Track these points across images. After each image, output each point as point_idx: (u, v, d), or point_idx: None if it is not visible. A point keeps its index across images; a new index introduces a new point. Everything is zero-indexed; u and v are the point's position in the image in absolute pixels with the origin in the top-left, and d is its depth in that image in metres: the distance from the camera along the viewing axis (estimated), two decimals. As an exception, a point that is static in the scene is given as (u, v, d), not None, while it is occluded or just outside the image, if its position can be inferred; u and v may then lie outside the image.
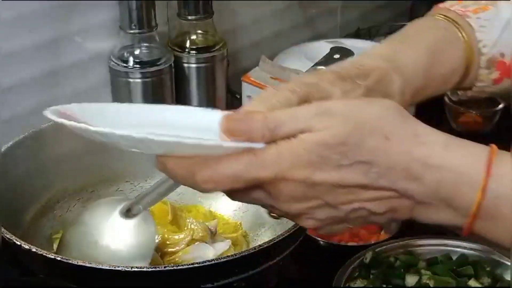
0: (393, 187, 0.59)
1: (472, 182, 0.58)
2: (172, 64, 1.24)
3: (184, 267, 0.81)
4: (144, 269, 0.81)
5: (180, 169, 0.61)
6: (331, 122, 0.59)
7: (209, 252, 0.95)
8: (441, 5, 0.85)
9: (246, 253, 0.83)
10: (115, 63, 1.21)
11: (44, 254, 0.81)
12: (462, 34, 0.82)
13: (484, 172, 0.58)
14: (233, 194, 0.63)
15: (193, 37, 1.29)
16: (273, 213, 0.67)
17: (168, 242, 0.98)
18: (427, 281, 0.99)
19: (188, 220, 1.01)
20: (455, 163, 0.59)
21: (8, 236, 0.83)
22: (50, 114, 0.66)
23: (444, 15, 0.83)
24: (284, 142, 0.59)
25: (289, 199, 0.61)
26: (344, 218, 0.62)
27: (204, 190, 0.61)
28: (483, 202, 0.58)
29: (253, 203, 0.65)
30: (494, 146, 0.60)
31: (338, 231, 0.65)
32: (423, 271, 1.01)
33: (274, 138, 0.60)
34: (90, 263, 0.80)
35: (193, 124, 0.68)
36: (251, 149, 0.59)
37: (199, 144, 0.60)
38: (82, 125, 0.63)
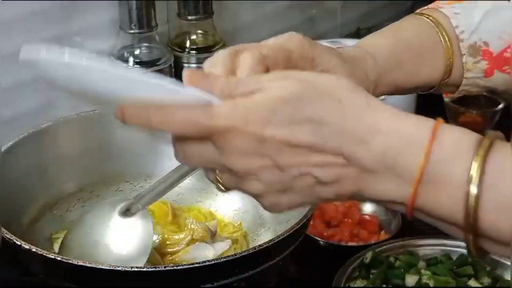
0: (341, 151, 0.59)
1: (417, 146, 0.59)
2: (172, 64, 1.24)
3: (184, 267, 0.81)
4: (144, 269, 0.81)
5: (138, 113, 0.62)
6: (287, 82, 0.61)
7: (209, 252, 0.95)
8: (420, 9, 0.88)
9: (246, 253, 0.83)
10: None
11: (44, 254, 0.81)
12: (432, 20, 0.84)
13: (429, 137, 0.59)
14: (184, 147, 0.63)
15: (193, 37, 1.29)
16: (221, 181, 0.65)
17: (168, 242, 0.98)
18: (427, 281, 0.99)
19: (188, 220, 1.01)
20: (401, 129, 0.60)
21: (8, 236, 0.83)
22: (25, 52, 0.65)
23: (418, 12, 0.86)
24: (240, 97, 0.61)
25: (238, 154, 0.61)
26: (290, 184, 0.62)
27: (159, 128, 0.62)
28: (427, 166, 0.58)
29: (202, 164, 0.65)
30: (440, 118, 0.61)
31: (282, 205, 0.64)
32: (423, 271, 1.01)
33: (232, 95, 0.61)
34: (90, 263, 0.80)
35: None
36: (208, 102, 0.61)
37: (160, 84, 0.61)
38: (50, 55, 0.62)
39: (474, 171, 0.57)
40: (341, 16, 1.66)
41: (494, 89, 0.86)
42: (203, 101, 0.61)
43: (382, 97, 1.33)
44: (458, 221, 0.59)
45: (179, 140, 0.63)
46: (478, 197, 0.57)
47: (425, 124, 0.60)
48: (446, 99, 1.44)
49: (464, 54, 0.84)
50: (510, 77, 0.84)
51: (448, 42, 0.83)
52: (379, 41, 0.82)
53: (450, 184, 0.58)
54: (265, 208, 0.65)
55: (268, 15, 1.51)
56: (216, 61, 0.68)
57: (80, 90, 0.65)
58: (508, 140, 0.60)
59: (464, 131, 0.61)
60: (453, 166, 0.58)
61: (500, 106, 1.42)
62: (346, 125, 0.59)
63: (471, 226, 0.58)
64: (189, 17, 1.28)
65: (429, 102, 1.45)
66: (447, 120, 0.60)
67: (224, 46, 1.30)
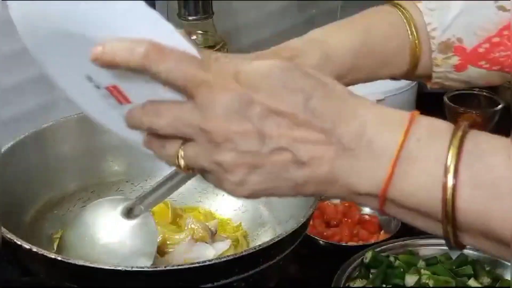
0: (323, 126, 0.58)
1: (396, 126, 0.59)
2: (172, 64, 1.24)
3: (184, 267, 0.81)
4: (144, 269, 0.81)
5: (123, 45, 0.58)
6: (277, 59, 0.61)
7: (209, 252, 0.95)
8: None
9: (246, 253, 0.83)
10: (115, 63, 1.21)
11: (44, 254, 0.81)
12: (405, 15, 0.83)
13: (408, 118, 0.59)
14: (158, 104, 0.60)
15: (193, 37, 1.29)
16: (182, 155, 0.61)
17: (168, 242, 0.98)
18: (427, 281, 0.99)
19: (188, 220, 1.01)
20: (380, 110, 0.61)
21: (8, 236, 0.83)
22: None
23: (395, 2, 0.85)
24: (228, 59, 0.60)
25: (221, 113, 0.58)
26: (263, 160, 0.59)
27: (144, 63, 0.58)
28: (405, 143, 0.58)
29: (173, 127, 0.60)
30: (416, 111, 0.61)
31: (248, 185, 0.60)
32: (422, 271, 1.01)
33: (220, 62, 0.60)
34: (90, 263, 0.80)
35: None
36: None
37: (158, 19, 0.58)
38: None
39: (451, 155, 0.57)
40: (341, 16, 1.65)
41: (469, 82, 0.86)
42: (195, 54, 0.58)
43: (382, 97, 1.34)
44: (434, 210, 0.57)
45: (155, 102, 0.60)
46: (455, 181, 0.56)
47: (403, 111, 0.61)
48: (446, 99, 1.44)
49: (434, 51, 0.83)
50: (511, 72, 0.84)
51: (417, 41, 0.83)
52: (344, 43, 0.81)
53: (427, 164, 0.57)
54: (228, 187, 0.61)
55: (268, 15, 1.51)
56: None
57: (56, 17, 0.60)
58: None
59: (440, 119, 0.60)
60: (431, 146, 0.58)
61: (500, 106, 1.42)
62: (331, 102, 0.59)
63: (448, 215, 0.57)
64: (189, 17, 1.28)
65: (429, 102, 1.45)
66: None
67: (224, 46, 1.30)
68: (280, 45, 0.80)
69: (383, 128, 0.59)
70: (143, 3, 0.58)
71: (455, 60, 0.83)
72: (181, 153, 0.61)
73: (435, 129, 0.59)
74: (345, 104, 0.60)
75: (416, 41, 0.83)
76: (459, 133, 0.58)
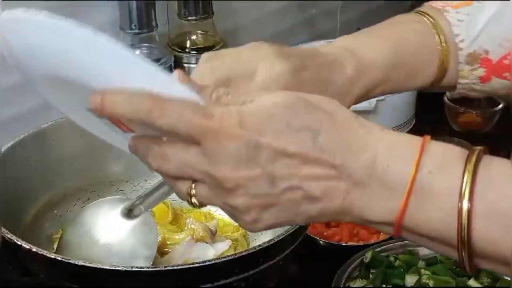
0: (334, 162, 0.58)
1: (407, 157, 0.58)
2: (172, 64, 1.24)
3: (184, 267, 0.81)
4: (144, 269, 0.81)
5: (123, 99, 0.57)
6: (279, 93, 0.60)
7: (209, 252, 0.95)
8: (427, 3, 0.86)
9: (246, 253, 0.83)
10: (115, 63, 1.21)
11: (44, 254, 0.81)
12: (435, 27, 0.82)
13: (419, 148, 0.58)
14: (166, 148, 0.59)
15: (193, 37, 1.29)
16: (194, 194, 0.60)
17: (168, 242, 0.98)
18: (427, 281, 0.99)
19: (188, 220, 1.01)
20: (390, 140, 0.59)
21: (8, 236, 0.83)
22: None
23: (421, 11, 0.84)
24: (233, 105, 0.59)
25: (230, 161, 0.57)
26: (275, 199, 0.59)
27: (147, 120, 0.57)
28: (417, 176, 0.58)
29: (181, 171, 0.59)
30: (427, 135, 0.61)
31: (262, 223, 0.61)
32: (422, 271, 1.01)
33: (222, 104, 0.59)
34: (90, 263, 0.80)
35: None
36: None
37: (156, 71, 0.56)
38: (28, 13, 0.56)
39: (465, 184, 0.57)
40: (341, 16, 1.66)
41: (492, 93, 0.86)
42: (196, 100, 0.57)
43: (382, 97, 1.33)
44: (449, 237, 0.58)
45: (160, 142, 0.60)
46: (470, 209, 0.56)
47: (413, 137, 0.60)
48: (446, 99, 1.44)
49: (461, 63, 0.83)
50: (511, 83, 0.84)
51: (446, 53, 0.82)
52: (376, 55, 0.79)
53: (441, 196, 0.57)
54: (244, 225, 0.62)
55: (268, 15, 1.51)
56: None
57: (52, 62, 0.59)
58: (491, 153, 0.60)
59: (451, 145, 0.60)
60: (443, 178, 0.58)
61: (500, 106, 1.42)
62: (340, 135, 0.59)
63: (463, 242, 0.57)
64: (189, 17, 1.28)
65: (429, 102, 1.45)
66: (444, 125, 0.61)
67: (224, 46, 1.30)
68: (311, 49, 0.77)
69: (393, 160, 0.58)
70: (139, 55, 0.56)
71: (481, 72, 0.83)
72: (193, 192, 0.61)
73: (447, 157, 0.59)
74: (354, 136, 0.59)
75: (446, 53, 0.82)
76: (473, 158, 0.58)
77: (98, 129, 0.67)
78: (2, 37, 0.60)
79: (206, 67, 0.74)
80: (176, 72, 0.59)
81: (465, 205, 0.56)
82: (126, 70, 0.57)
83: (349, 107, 0.76)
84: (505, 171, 0.58)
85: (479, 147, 0.59)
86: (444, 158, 0.58)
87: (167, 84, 0.57)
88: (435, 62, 0.82)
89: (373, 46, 0.80)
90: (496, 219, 0.57)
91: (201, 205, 0.61)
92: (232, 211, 0.61)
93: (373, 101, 1.30)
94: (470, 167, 0.57)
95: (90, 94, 0.57)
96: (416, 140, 0.60)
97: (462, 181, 0.57)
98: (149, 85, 0.56)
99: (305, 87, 0.72)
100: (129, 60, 0.56)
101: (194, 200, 0.61)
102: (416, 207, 0.58)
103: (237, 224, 1.02)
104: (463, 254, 0.58)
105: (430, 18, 0.83)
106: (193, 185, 0.60)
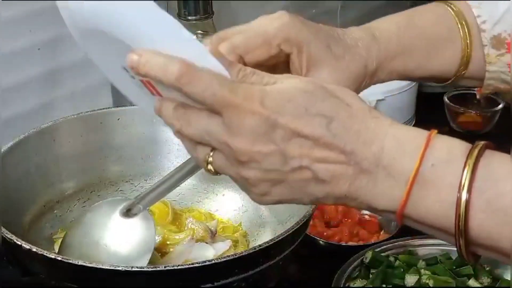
0: (344, 148, 0.61)
1: (412, 150, 0.61)
2: (172, 64, 1.24)
3: (184, 267, 0.81)
4: (144, 269, 0.81)
5: (157, 61, 0.60)
6: (299, 79, 0.63)
7: (209, 252, 0.95)
8: None
9: (246, 253, 0.83)
10: (115, 63, 1.21)
11: (44, 254, 0.81)
12: (453, 9, 0.82)
13: (424, 142, 0.61)
14: (191, 113, 0.62)
15: (193, 37, 1.29)
16: (211, 161, 0.63)
17: (168, 242, 0.98)
18: (427, 281, 0.99)
19: (188, 220, 1.01)
20: (398, 134, 0.62)
21: (8, 236, 0.83)
22: None
23: (439, 1, 0.83)
24: (257, 84, 0.62)
25: (247, 135, 0.60)
26: (286, 176, 0.62)
27: (176, 84, 0.60)
28: (420, 169, 0.60)
29: (202, 137, 0.62)
30: (434, 129, 0.63)
31: (271, 197, 0.64)
32: (422, 271, 1.01)
33: (247, 80, 0.62)
34: (90, 263, 0.80)
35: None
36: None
37: (191, 39, 0.60)
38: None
39: (465, 177, 0.59)
40: (341, 16, 1.66)
41: None
42: (224, 74, 0.61)
43: (381, 97, 1.33)
44: (448, 226, 0.61)
45: (186, 106, 0.62)
46: (468, 202, 0.59)
47: (420, 132, 0.62)
48: (446, 99, 1.44)
49: (486, 45, 0.81)
50: None
51: (467, 33, 0.81)
52: (389, 25, 0.80)
53: (441, 188, 0.60)
54: (253, 197, 0.65)
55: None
56: None
57: (101, 18, 0.63)
58: (496, 148, 0.62)
59: (456, 140, 0.62)
60: (445, 171, 0.60)
61: (500, 106, 1.42)
62: (352, 125, 0.61)
63: (461, 231, 0.60)
64: (189, 17, 1.27)
65: (429, 102, 1.45)
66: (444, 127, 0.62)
67: (224, 46, 1.30)
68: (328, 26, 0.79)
69: (399, 154, 0.61)
70: (178, 24, 0.60)
71: (508, 57, 0.81)
72: (210, 159, 0.63)
73: (451, 152, 0.61)
74: (366, 127, 0.62)
75: (467, 33, 0.81)
76: (475, 153, 0.60)
77: (128, 89, 0.71)
78: None
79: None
80: (210, 42, 0.64)
81: (464, 196, 0.59)
82: (165, 35, 0.61)
83: (367, 78, 0.78)
84: (506, 167, 0.60)
85: (482, 142, 0.61)
86: (448, 152, 0.61)
87: (201, 54, 0.61)
88: (457, 41, 0.81)
89: (386, 20, 0.81)
90: (493, 214, 0.59)
91: (216, 172, 0.64)
92: (243, 182, 0.64)
93: (373, 101, 1.30)
94: (471, 161, 0.60)
95: (129, 52, 0.61)
96: (423, 134, 0.62)
97: (462, 175, 0.59)
98: (184, 53, 0.60)
99: (310, 31, 0.74)
100: (169, 26, 0.60)
101: (210, 167, 0.64)
102: (418, 197, 0.61)
103: (237, 224, 1.04)
104: (461, 242, 0.61)
105: (448, 3, 0.82)
106: (211, 153, 0.63)
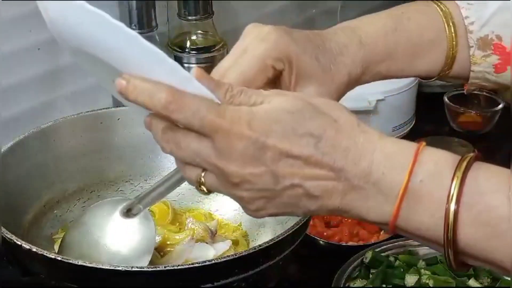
0: (333, 166, 0.62)
1: (400, 166, 0.62)
2: (172, 64, 1.24)
3: (184, 267, 0.81)
4: (144, 269, 0.81)
5: (145, 88, 0.61)
6: (288, 98, 0.64)
7: (209, 252, 0.95)
8: None
9: (246, 253, 0.83)
10: (115, 63, 1.21)
11: (44, 254, 0.81)
12: (442, 9, 0.82)
13: (412, 158, 0.62)
14: (180, 136, 0.63)
15: (193, 37, 1.29)
16: (203, 182, 0.64)
17: (168, 242, 0.98)
18: (427, 281, 0.99)
19: (188, 220, 1.01)
20: (387, 148, 0.63)
21: (8, 236, 0.83)
22: None
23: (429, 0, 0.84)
24: (245, 104, 0.62)
25: (237, 158, 0.61)
26: (279, 194, 0.63)
27: (164, 112, 0.61)
28: (409, 184, 0.61)
29: (192, 160, 0.63)
30: (422, 141, 0.64)
31: (266, 211, 0.65)
32: (422, 271, 1.01)
33: (235, 103, 0.63)
34: (90, 263, 0.80)
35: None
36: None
37: (177, 68, 0.61)
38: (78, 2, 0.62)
39: (453, 189, 0.60)
40: (341, 16, 1.66)
41: (507, 86, 0.84)
42: (212, 97, 0.62)
43: (381, 97, 1.33)
44: (438, 237, 0.62)
45: (175, 129, 0.63)
46: (456, 214, 0.60)
47: (408, 146, 0.63)
48: (446, 99, 1.44)
49: (472, 47, 0.81)
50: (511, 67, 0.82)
51: (453, 34, 0.81)
52: (376, 29, 0.81)
53: (431, 202, 0.61)
54: (248, 213, 0.66)
55: (268, 15, 1.51)
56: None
57: (87, 42, 0.64)
58: (490, 153, 0.62)
59: (445, 153, 0.63)
60: (433, 185, 0.61)
61: (500, 106, 1.42)
62: (341, 142, 0.62)
63: (450, 242, 0.61)
64: (189, 17, 1.28)
65: (429, 102, 1.45)
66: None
67: (224, 46, 1.30)
68: (313, 31, 0.79)
69: (388, 169, 0.62)
70: (163, 53, 0.61)
71: (494, 59, 0.82)
72: (202, 180, 0.64)
73: (438, 165, 0.62)
74: (354, 142, 0.63)
75: (453, 34, 0.82)
76: (463, 165, 0.61)
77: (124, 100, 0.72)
78: (44, 8, 0.68)
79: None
80: (195, 70, 0.63)
81: (452, 207, 0.60)
82: (150, 63, 0.62)
83: (351, 83, 0.78)
84: (493, 180, 0.61)
85: (470, 154, 0.62)
86: (436, 166, 0.62)
87: (186, 80, 0.62)
88: (443, 44, 0.82)
89: (374, 21, 0.82)
90: (481, 228, 0.61)
91: (209, 192, 0.65)
92: (237, 201, 0.65)
93: (373, 101, 1.30)
94: (459, 174, 0.61)
95: (117, 76, 0.62)
96: (411, 148, 0.63)
97: (450, 188, 0.60)
98: (169, 79, 0.61)
99: (298, 44, 0.74)
100: (154, 54, 0.61)
101: (202, 187, 0.65)
102: (408, 212, 0.62)
103: (237, 224, 1.04)
104: (449, 252, 0.62)
105: (438, 3, 0.83)
106: (203, 174, 0.64)
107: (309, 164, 0.62)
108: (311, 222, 1.06)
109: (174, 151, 0.64)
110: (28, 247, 0.82)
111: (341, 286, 0.98)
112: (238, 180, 0.62)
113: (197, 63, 1.28)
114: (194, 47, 1.29)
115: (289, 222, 0.91)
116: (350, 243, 1.11)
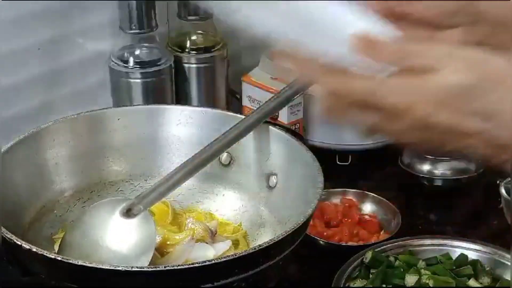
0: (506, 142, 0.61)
1: None
2: (172, 65, 1.24)
3: (184, 267, 0.81)
4: (144, 269, 0.81)
5: (310, 64, 0.63)
6: (461, 67, 0.61)
7: (209, 252, 0.95)
8: None
9: (246, 253, 0.83)
10: (115, 63, 1.21)
11: (44, 254, 0.81)
12: None
13: None
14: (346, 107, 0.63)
15: (193, 37, 1.29)
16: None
17: (168, 242, 0.98)
18: (427, 281, 0.99)
19: (188, 220, 1.01)
20: None
21: (8, 236, 0.83)
22: None
23: None
24: (411, 76, 0.61)
25: (404, 128, 0.61)
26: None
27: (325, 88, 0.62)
28: None
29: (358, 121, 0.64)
30: None
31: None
32: (422, 271, 1.01)
33: (402, 65, 0.61)
34: (90, 263, 0.80)
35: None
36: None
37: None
38: None
39: None
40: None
41: None
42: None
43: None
44: None
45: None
46: None
47: None
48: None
49: None
50: None
51: None
52: None
53: None
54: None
55: (268, 15, 1.51)
56: None
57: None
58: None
59: None
60: None
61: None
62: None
63: None
64: (189, 18, 1.28)
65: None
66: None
67: (224, 46, 1.30)
68: None
69: None
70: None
71: None
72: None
73: None
74: None
75: None
76: None
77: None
78: None
79: None
80: (352, 39, 0.62)
81: None
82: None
83: None
84: None
85: None
86: None
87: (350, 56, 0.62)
88: None
89: None
90: None
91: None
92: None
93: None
94: None
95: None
96: None
97: None
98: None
99: None
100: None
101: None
102: None
103: (237, 224, 1.04)
104: None
105: None
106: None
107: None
108: (311, 222, 1.06)
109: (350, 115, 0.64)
110: (28, 247, 0.82)
111: (341, 286, 0.98)
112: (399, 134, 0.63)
113: (197, 63, 1.28)
114: (194, 47, 1.29)
115: (289, 222, 0.91)
116: (350, 243, 1.11)
